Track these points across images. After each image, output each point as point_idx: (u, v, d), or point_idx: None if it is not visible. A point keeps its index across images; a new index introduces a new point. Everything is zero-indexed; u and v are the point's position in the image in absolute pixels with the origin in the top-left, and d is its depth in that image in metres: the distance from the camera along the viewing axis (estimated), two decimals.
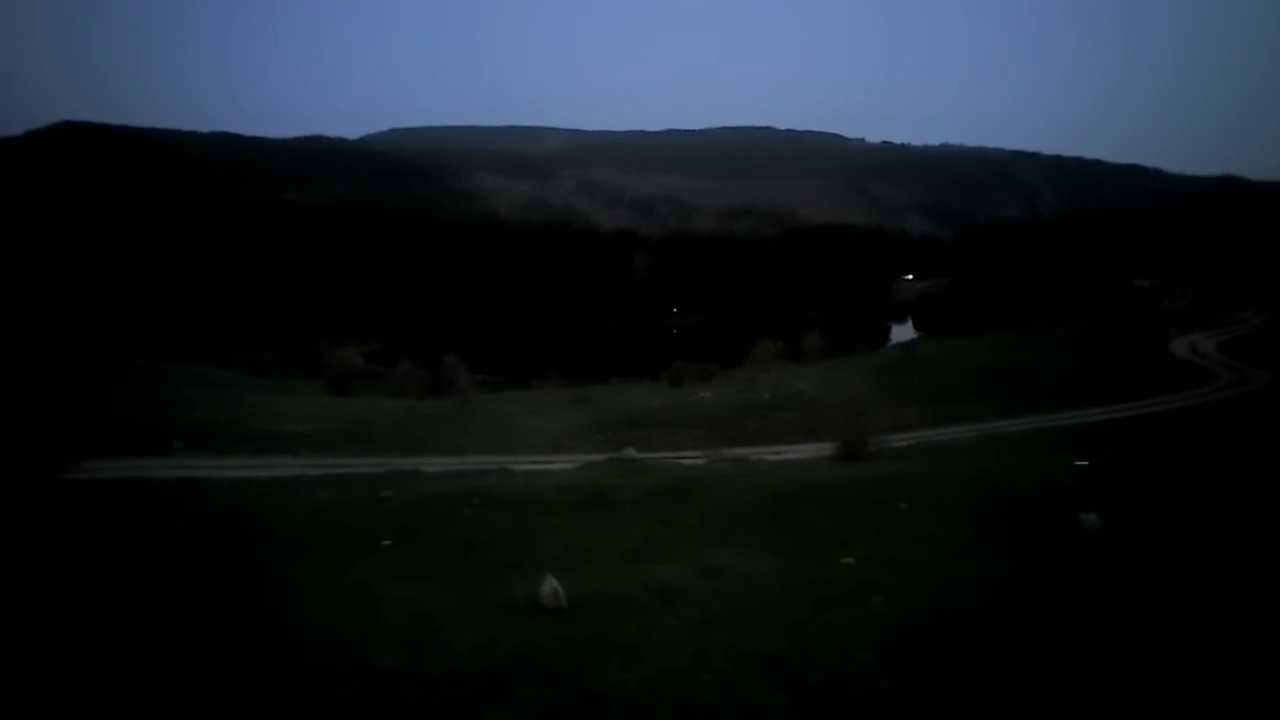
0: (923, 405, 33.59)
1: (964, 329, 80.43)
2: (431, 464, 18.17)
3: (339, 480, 14.66)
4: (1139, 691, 4.55)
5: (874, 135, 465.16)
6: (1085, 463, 13.06)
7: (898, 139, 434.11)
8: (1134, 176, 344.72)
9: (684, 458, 20.65)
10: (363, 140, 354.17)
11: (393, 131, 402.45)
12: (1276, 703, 4.44)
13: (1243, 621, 5.46)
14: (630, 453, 20.21)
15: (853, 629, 5.65)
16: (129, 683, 4.83)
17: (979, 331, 71.49)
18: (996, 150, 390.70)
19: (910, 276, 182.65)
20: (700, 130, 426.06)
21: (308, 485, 14.01)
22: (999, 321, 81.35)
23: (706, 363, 58.60)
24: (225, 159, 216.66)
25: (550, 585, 6.50)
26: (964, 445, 21.80)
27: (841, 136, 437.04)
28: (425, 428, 29.11)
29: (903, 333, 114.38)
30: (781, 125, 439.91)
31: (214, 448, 20.05)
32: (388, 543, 9.22)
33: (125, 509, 10.43)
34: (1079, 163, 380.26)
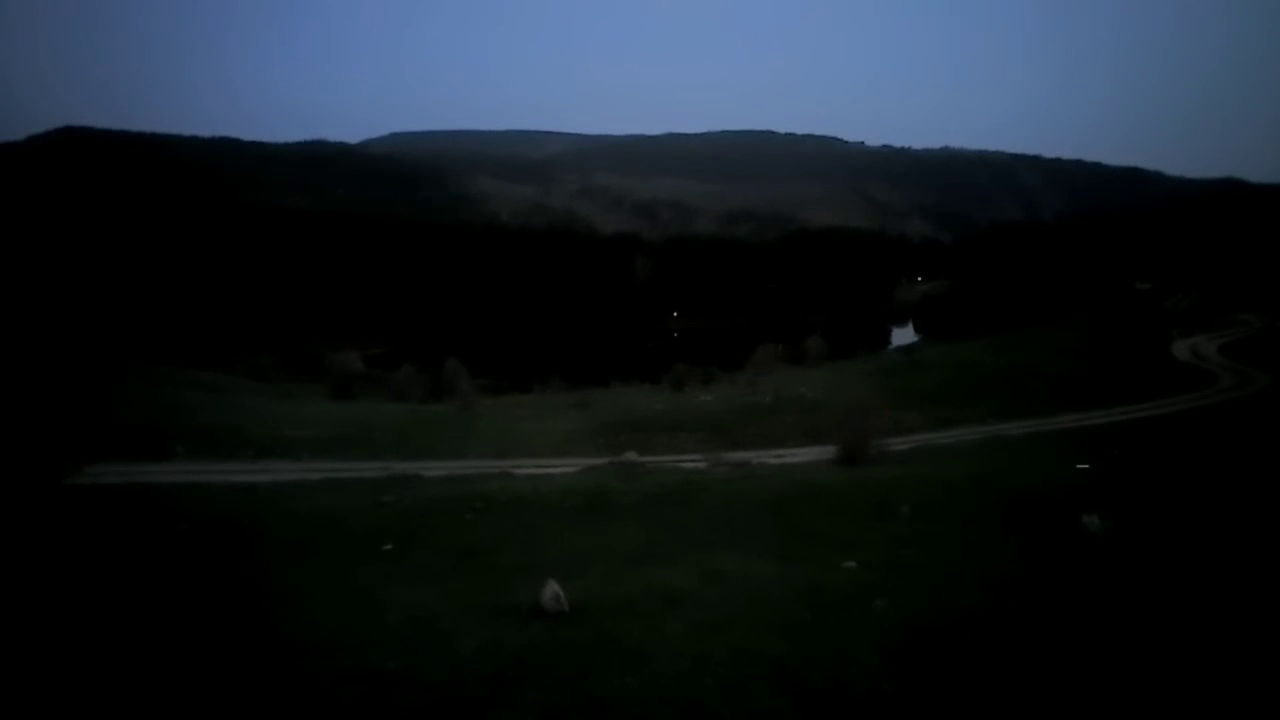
0: (924, 408, 33.57)
1: (965, 332, 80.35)
2: (433, 468, 18.20)
3: (340, 485, 14.70)
4: (1141, 694, 4.55)
5: (874, 138, 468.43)
6: (1087, 465, 13.05)
7: (898, 142, 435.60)
8: (1134, 179, 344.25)
9: (685, 461, 20.66)
10: (364, 144, 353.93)
11: (394, 136, 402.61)
12: (1277, 704, 4.44)
13: (1244, 623, 5.46)
14: (632, 456, 20.24)
15: (854, 632, 5.66)
16: (133, 687, 4.84)
17: (980, 334, 71.45)
18: (997, 153, 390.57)
19: (920, 278, 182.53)
20: (701, 134, 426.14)
21: (309, 490, 14.05)
22: (1000, 324, 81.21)
23: (708, 366, 58.65)
24: (226, 163, 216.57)
25: (552, 589, 6.51)
26: (965, 448, 21.74)
27: (842, 140, 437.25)
28: (427, 432, 29.11)
29: (904, 336, 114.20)
30: (782, 129, 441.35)
31: (216, 452, 20.13)
32: (389, 547, 9.23)
33: (128, 514, 10.45)
34: (1079, 165, 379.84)
